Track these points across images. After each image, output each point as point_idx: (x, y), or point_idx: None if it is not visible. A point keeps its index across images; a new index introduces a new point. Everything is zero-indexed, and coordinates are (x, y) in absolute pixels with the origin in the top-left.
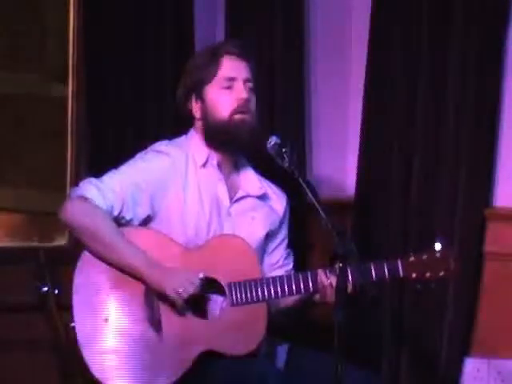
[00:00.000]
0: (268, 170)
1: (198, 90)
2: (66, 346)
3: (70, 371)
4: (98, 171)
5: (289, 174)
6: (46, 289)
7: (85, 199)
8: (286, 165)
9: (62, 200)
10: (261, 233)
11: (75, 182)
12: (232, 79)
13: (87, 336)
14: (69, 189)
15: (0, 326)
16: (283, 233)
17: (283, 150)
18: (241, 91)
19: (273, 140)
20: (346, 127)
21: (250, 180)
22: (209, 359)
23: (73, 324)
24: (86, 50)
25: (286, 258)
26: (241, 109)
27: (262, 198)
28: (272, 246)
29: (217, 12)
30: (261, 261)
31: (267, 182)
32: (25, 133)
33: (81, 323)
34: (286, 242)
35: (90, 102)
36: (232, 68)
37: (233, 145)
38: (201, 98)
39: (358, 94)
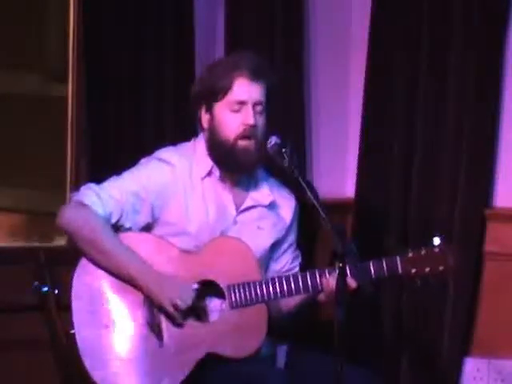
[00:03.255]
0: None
1: (207, 103)
2: (66, 346)
3: (70, 371)
4: (98, 171)
5: (289, 173)
6: (45, 289)
7: (83, 205)
8: (286, 165)
9: (62, 200)
10: (267, 243)
11: (75, 182)
12: (242, 103)
13: (88, 343)
14: (69, 189)
15: (0, 326)
16: (290, 239)
17: (283, 150)
18: (248, 117)
19: (273, 140)
20: (346, 127)
21: (259, 187)
22: (210, 362)
23: (72, 331)
24: (85, 49)
25: (292, 262)
26: (246, 134)
27: (270, 206)
28: (278, 253)
29: (217, 12)
30: (266, 268)
31: (277, 184)
32: (25, 133)
33: (81, 330)
34: (292, 246)
35: (89, 101)
36: (243, 92)
37: (233, 168)
38: (210, 111)
39: (358, 93)
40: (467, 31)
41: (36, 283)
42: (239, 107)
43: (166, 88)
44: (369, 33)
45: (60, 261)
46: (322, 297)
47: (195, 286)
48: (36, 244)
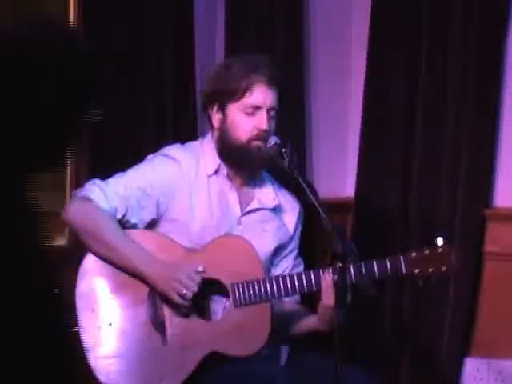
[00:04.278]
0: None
1: (221, 102)
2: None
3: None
4: (98, 171)
5: (289, 174)
6: None
7: (88, 200)
8: (286, 165)
9: (62, 200)
10: (270, 246)
11: (75, 182)
12: (257, 107)
13: (92, 341)
14: (69, 189)
15: None
16: (291, 246)
17: (283, 150)
18: (263, 122)
19: (273, 140)
20: (346, 127)
21: (265, 190)
22: (213, 360)
23: (76, 328)
24: None
25: (292, 269)
26: (258, 138)
27: (275, 210)
28: (278, 258)
29: (217, 12)
30: (267, 273)
31: (283, 189)
32: None
33: (85, 328)
34: (294, 253)
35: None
36: (260, 97)
37: (244, 168)
38: (222, 111)
39: (358, 94)
40: (467, 31)
41: None
42: (253, 111)
43: (165, 88)
44: (369, 33)
45: (60, 261)
46: (319, 304)
47: (201, 267)
48: None
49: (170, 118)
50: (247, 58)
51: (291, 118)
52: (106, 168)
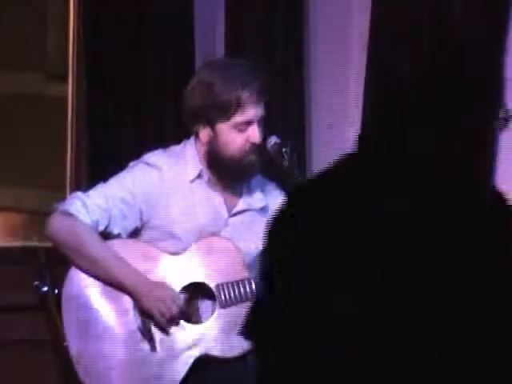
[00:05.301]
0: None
1: (210, 119)
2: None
3: (70, 371)
4: (98, 171)
5: (289, 174)
6: (45, 289)
7: (69, 214)
8: (286, 165)
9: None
10: (258, 246)
11: (75, 182)
12: (249, 122)
13: (80, 354)
14: (69, 189)
15: (0, 326)
16: None
17: (283, 149)
18: (255, 135)
19: (273, 140)
20: (346, 127)
21: (252, 191)
22: (204, 363)
23: (65, 343)
24: (86, 49)
25: None
26: (252, 150)
27: (263, 210)
28: None
29: (217, 12)
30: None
31: (272, 188)
32: (25, 133)
33: (73, 342)
34: None
35: (90, 101)
36: (252, 113)
37: (236, 179)
38: (211, 127)
39: (358, 94)
40: (467, 31)
41: (36, 283)
42: (246, 127)
43: (166, 88)
44: (369, 33)
45: (60, 261)
46: None
47: (182, 296)
48: (36, 244)
49: (170, 117)
50: (228, 71)
51: (291, 117)
52: (106, 168)
